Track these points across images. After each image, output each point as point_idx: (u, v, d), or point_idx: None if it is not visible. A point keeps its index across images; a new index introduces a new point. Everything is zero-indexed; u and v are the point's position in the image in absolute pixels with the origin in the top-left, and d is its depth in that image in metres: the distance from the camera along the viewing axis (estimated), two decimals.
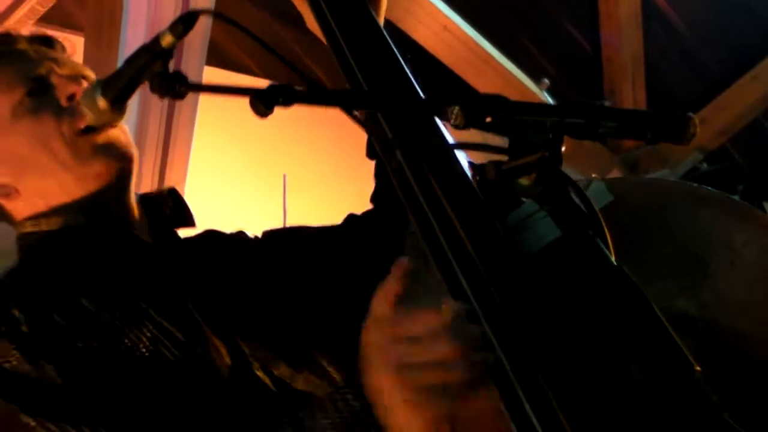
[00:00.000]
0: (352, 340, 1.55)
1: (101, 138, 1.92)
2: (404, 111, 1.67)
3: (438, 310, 1.42)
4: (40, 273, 1.84)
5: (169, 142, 4.48)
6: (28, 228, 1.94)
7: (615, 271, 1.40)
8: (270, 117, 1.58)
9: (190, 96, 4.02)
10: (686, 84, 7.12)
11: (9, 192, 1.95)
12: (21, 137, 1.92)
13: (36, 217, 1.94)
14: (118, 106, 1.80)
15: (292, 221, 4.72)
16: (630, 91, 6.87)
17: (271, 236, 2.21)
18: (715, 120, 7.03)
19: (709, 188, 1.76)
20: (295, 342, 1.96)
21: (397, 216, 1.91)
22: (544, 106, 1.47)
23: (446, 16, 5.79)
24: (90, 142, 1.92)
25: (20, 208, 1.96)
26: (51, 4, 4.88)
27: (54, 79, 1.97)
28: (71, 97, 1.95)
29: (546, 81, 6.20)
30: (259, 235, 2.20)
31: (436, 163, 1.77)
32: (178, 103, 4.32)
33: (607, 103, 1.68)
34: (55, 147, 1.91)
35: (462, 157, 1.79)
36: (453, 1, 5.82)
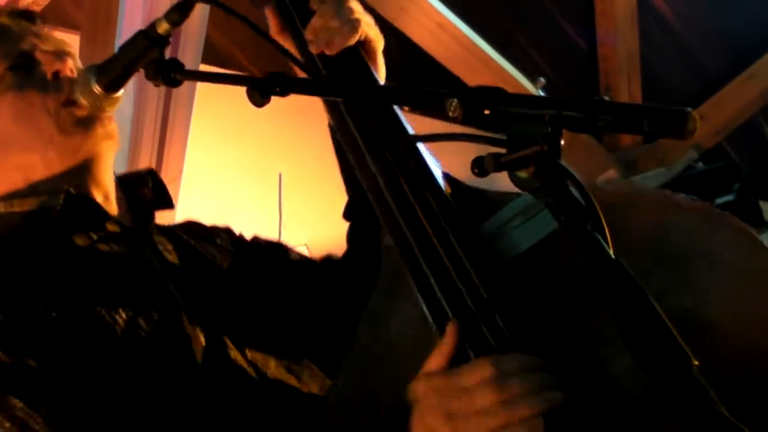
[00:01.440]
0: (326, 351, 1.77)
1: (85, 111, 1.90)
2: (402, 104, 1.67)
3: (486, 365, 1.55)
4: (14, 257, 1.81)
5: (165, 140, 4.47)
6: (1, 208, 1.90)
7: (614, 265, 1.39)
8: (266, 115, 1.59)
9: (187, 93, 4.03)
10: (682, 82, 7.13)
11: None
12: (4, 111, 1.91)
13: (9, 197, 1.91)
14: (112, 92, 1.80)
15: (288, 220, 4.72)
16: (626, 90, 6.88)
17: (259, 246, 2.23)
18: (712, 118, 7.04)
19: (683, 195, 1.82)
20: (275, 335, 1.99)
21: (370, 257, 1.99)
22: (543, 98, 1.47)
23: (441, 14, 5.79)
24: (74, 115, 1.91)
25: None
26: (46, 3, 4.87)
27: (38, 55, 1.97)
28: (56, 74, 1.95)
29: (542, 80, 6.20)
30: (247, 236, 2.23)
31: (410, 174, 1.81)
32: (174, 101, 4.31)
33: (606, 98, 1.67)
34: (40, 121, 1.90)
35: (437, 167, 1.82)
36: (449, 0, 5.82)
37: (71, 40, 4.65)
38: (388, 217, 1.82)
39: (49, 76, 1.95)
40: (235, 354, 1.85)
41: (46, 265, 1.80)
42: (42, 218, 1.88)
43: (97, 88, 1.76)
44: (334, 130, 2.11)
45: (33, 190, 1.91)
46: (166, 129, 4.42)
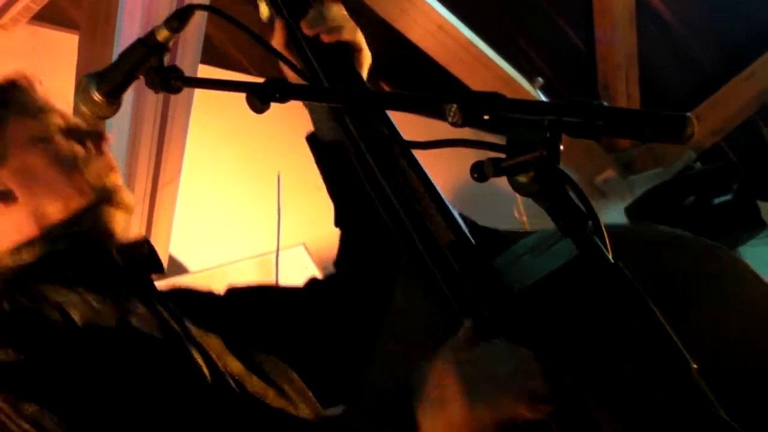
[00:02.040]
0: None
1: (114, 180, 2.04)
2: (402, 109, 1.67)
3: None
4: (22, 297, 1.84)
5: (164, 141, 4.48)
6: (9, 261, 1.97)
7: (612, 269, 1.39)
8: (265, 115, 1.59)
9: (185, 94, 4.02)
10: (680, 82, 7.14)
11: (8, 198, 1.99)
12: (42, 157, 2.00)
13: (17, 249, 1.97)
14: (112, 99, 1.81)
15: (287, 220, 4.72)
16: (624, 89, 6.88)
17: (241, 290, 2.25)
18: (709, 119, 7.04)
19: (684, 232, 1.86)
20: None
21: (359, 282, 2.12)
22: (542, 104, 1.47)
23: (441, 16, 5.79)
24: (106, 179, 2.03)
25: (4, 227, 2.00)
26: (45, 2, 4.87)
27: (80, 127, 2.08)
28: (97, 143, 2.06)
29: (540, 80, 6.21)
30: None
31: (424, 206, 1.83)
32: (173, 102, 4.31)
33: (605, 103, 1.68)
34: (73, 173, 2.00)
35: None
36: (448, 1, 5.82)
37: (70, 40, 4.66)
38: (404, 238, 1.85)
39: (89, 144, 2.05)
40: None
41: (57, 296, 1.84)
42: (51, 259, 1.95)
43: (96, 96, 1.77)
44: (314, 141, 2.20)
45: (43, 237, 1.98)
46: (165, 129, 4.42)
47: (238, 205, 5.61)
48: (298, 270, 4.83)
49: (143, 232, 4.70)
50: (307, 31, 2.10)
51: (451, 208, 1.87)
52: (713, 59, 7.05)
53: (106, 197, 2.02)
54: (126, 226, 2.09)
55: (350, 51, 2.14)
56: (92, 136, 2.07)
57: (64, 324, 1.75)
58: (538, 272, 1.73)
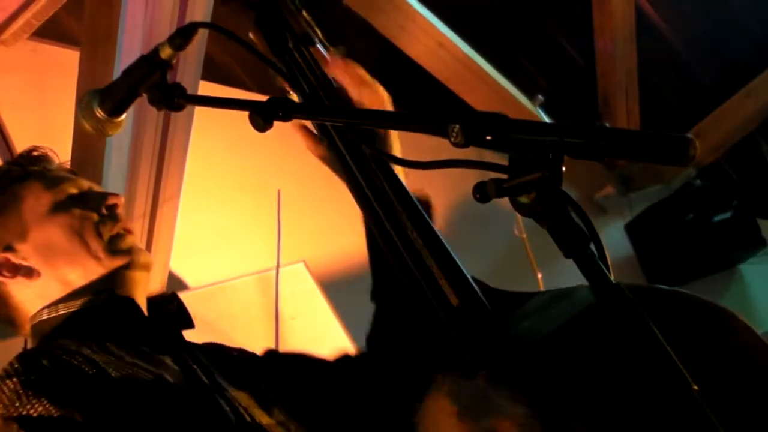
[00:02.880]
0: None
1: (129, 242, 2.14)
2: (406, 129, 1.67)
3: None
4: (58, 352, 1.89)
5: (164, 157, 4.47)
6: (45, 315, 2.07)
7: (614, 290, 1.40)
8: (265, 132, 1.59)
9: (186, 110, 4.03)
10: (680, 99, 7.14)
11: (31, 274, 2.09)
12: (59, 228, 2.10)
13: (53, 304, 2.07)
14: (115, 116, 1.81)
15: (287, 237, 4.71)
16: (624, 106, 6.88)
17: (275, 356, 2.31)
18: (709, 135, 7.05)
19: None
20: None
21: (388, 360, 2.14)
22: (544, 125, 1.47)
23: (441, 33, 5.79)
24: (124, 243, 2.13)
25: (30, 296, 2.10)
26: (46, 18, 4.87)
27: (96, 191, 2.20)
28: (111, 208, 2.16)
29: (540, 97, 6.21)
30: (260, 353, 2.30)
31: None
32: (174, 118, 4.31)
33: (606, 124, 1.68)
34: (90, 241, 2.09)
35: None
36: (448, 18, 5.82)
37: (71, 56, 4.66)
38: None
39: (104, 210, 2.15)
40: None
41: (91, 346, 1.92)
42: (88, 312, 2.05)
43: (100, 112, 1.77)
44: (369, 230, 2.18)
45: (73, 296, 2.08)
46: (165, 145, 4.41)
47: (238, 222, 5.60)
48: (298, 287, 4.81)
49: (144, 248, 4.69)
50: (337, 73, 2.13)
51: (463, 269, 1.87)
52: (713, 76, 7.06)
53: (125, 261, 2.11)
54: (147, 283, 2.17)
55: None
56: (104, 201, 2.15)
57: (101, 379, 1.80)
58: (547, 327, 1.74)
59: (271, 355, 2.28)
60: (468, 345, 1.73)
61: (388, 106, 2.13)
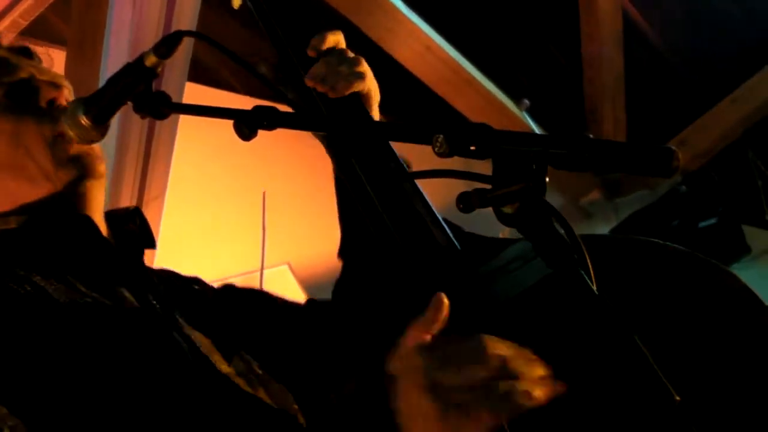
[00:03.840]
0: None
1: (76, 148, 1.94)
2: (391, 138, 1.68)
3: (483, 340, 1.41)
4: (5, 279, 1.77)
5: (149, 158, 4.47)
6: None
7: (597, 301, 1.40)
8: None
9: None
10: (667, 105, 7.15)
11: None
12: (1, 136, 1.94)
13: (4, 215, 1.92)
14: (100, 124, 1.80)
15: (272, 239, 4.72)
16: (611, 113, 6.89)
17: (238, 289, 2.21)
18: (695, 142, 7.06)
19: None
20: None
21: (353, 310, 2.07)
22: (529, 135, 1.47)
23: (428, 37, 5.79)
24: (66, 149, 1.95)
25: None
26: (33, 18, 4.87)
27: (35, 83, 2.01)
28: (51, 102, 1.99)
29: (527, 102, 6.21)
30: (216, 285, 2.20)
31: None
32: (158, 121, 4.31)
33: (590, 135, 1.69)
34: (34, 148, 1.93)
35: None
36: (435, 22, 5.83)
37: (58, 56, 4.65)
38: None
39: (43, 103, 1.99)
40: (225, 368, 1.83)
41: (28, 262, 1.80)
42: (30, 228, 1.91)
43: (84, 120, 1.77)
44: (340, 182, 2.14)
45: (19, 211, 1.93)
46: (151, 147, 4.42)
47: (223, 224, 5.60)
48: (282, 289, 4.83)
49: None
50: (318, 86, 2.02)
51: (437, 213, 1.85)
52: (699, 83, 7.07)
53: (73, 173, 1.96)
54: (103, 194, 2.03)
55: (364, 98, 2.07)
56: (43, 93, 2.01)
57: (46, 303, 1.69)
58: (523, 283, 1.71)
59: (230, 289, 2.17)
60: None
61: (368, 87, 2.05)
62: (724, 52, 6.84)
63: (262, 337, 2.02)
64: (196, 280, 2.16)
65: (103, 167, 2.01)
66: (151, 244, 2.08)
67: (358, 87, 1.99)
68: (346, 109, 1.98)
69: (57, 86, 2.03)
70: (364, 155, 1.90)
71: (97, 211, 2.00)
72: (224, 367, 1.82)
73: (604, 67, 6.72)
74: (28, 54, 2.13)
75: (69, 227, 1.92)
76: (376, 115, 2.07)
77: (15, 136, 1.94)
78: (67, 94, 2.04)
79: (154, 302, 1.86)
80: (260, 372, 1.90)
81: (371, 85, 2.05)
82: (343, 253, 2.20)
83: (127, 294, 1.83)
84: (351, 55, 2.03)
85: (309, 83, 1.99)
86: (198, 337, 1.84)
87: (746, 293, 1.77)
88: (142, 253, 2.06)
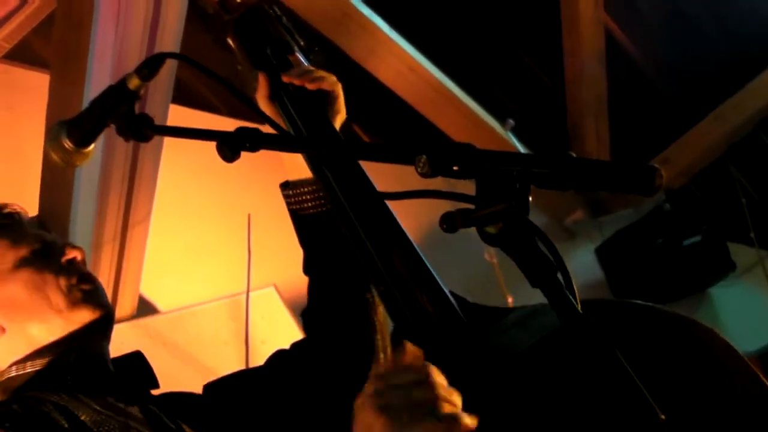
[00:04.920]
0: None
1: (91, 288, 2.16)
2: (373, 158, 1.68)
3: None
4: (30, 402, 1.94)
5: (134, 180, 4.47)
6: (13, 372, 2.10)
7: (581, 320, 1.40)
8: None
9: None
10: (650, 123, 7.17)
11: None
12: (20, 284, 2.12)
13: (21, 362, 2.10)
14: (83, 147, 1.80)
15: (257, 261, 4.71)
16: (593, 130, 6.91)
17: (213, 387, 2.31)
18: (678, 160, 7.08)
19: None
20: None
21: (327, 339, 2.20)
22: (511, 155, 1.48)
23: (411, 57, 5.79)
24: (81, 292, 2.14)
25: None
26: (16, 41, 4.87)
27: (61, 245, 2.22)
28: (71, 261, 2.18)
29: (511, 121, 6.21)
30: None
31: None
32: (143, 143, 4.31)
33: (573, 154, 1.70)
34: (51, 294, 2.12)
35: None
36: (418, 42, 5.83)
37: (41, 79, 4.65)
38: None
39: (64, 261, 2.17)
40: None
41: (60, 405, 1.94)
42: (55, 370, 2.08)
43: (68, 143, 1.77)
44: (288, 195, 2.31)
45: (39, 353, 2.11)
46: (135, 169, 4.41)
47: (209, 246, 5.59)
48: (268, 311, 4.82)
49: (113, 272, 4.69)
50: (296, 80, 2.21)
51: (442, 284, 1.88)
52: (683, 100, 7.09)
53: (87, 311, 2.13)
54: (111, 329, 2.21)
55: (328, 101, 2.23)
56: (63, 254, 2.19)
57: (72, 425, 1.84)
58: (523, 343, 1.74)
59: (211, 386, 2.28)
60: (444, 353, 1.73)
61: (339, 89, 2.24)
62: (706, 70, 6.87)
63: (247, 414, 2.18)
64: (191, 394, 2.28)
65: (112, 306, 2.27)
66: (154, 384, 2.22)
67: (330, 84, 2.21)
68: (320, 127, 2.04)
69: (76, 248, 2.22)
70: (344, 173, 1.93)
71: (107, 346, 2.20)
72: None
73: (587, 84, 6.74)
74: (47, 228, 2.35)
75: (82, 365, 2.09)
76: (340, 116, 2.25)
77: (35, 285, 2.12)
78: (82, 255, 2.23)
79: (161, 414, 2.02)
80: None
81: (340, 95, 2.25)
82: (307, 269, 2.30)
83: (134, 411, 1.99)
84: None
85: (286, 79, 2.18)
86: None
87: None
88: (146, 386, 2.20)
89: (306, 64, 2.29)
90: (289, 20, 2.39)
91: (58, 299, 2.11)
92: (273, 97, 2.25)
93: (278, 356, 2.30)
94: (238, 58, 2.34)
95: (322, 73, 2.23)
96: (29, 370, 2.08)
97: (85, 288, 2.14)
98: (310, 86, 2.20)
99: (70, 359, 2.08)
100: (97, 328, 2.15)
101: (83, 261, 2.23)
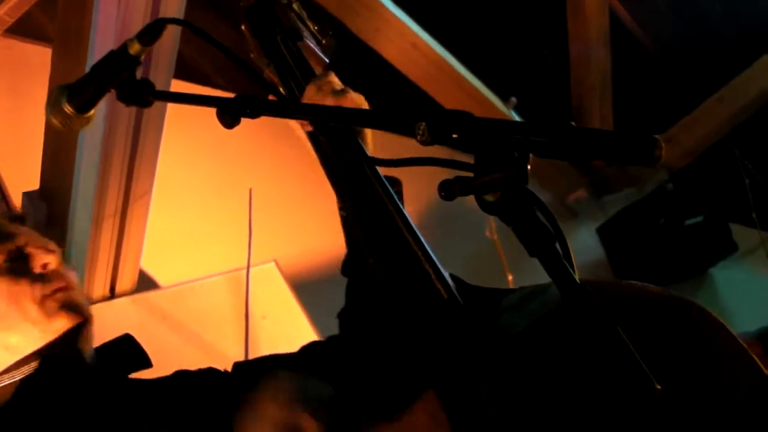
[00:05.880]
0: None
1: (65, 297, 2.15)
2: (373, 126, 1.68)
3: None
4: (27, 410, 2.02)
5: (136, 155, 4.45)
6: (5, 380, 2.10)
7: (578, 289, 1.40)
8: (237, 130, 1.59)
9: (157, 108, 4.01)
10: (654, 104, 7.16)
11: None
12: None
13: (7, 371, 2.11)
14: (84, 112, 1.80)
15: (258, 237, 4.70)
16: (598, 111, 6.90)
17: (243, 368, 2.30)
18: (682, 140, 7.08)
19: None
20: None
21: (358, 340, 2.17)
22: (510, 123, 1.47)
23: (416, 35, 5.79)
24: (56, 302, 2.14)
25: None
26: (19, 15, 4.86)
27: (29, 249, 2.20)
28: (44, 266, 2.18)
29: (513, 99, 6.21)
30: (229, 368, 2.28)
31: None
32: (145, 116, 4.30)
33: (572, 123, 1.69)
34: (27, 305, 2.12)
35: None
36: (422, 20, 5.83)
37: (43, 53, 4.65)
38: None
39: (37, 269, 2.17)
40: None
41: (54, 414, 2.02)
42: (42, 377, 2.11)
43: (68, 108, 1.77)
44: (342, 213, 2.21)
45: (24, 361, 2.12)
46: (137, 143, 4.40)
47: (210, 221, 5.59)
48: (268, 287, 4.82)
49: (114, 246, 4.69)
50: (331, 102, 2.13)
51: (441, 267, 1.88)
52: (686, 81, 7.08)
53: (62, 321, 2.14)
54: (91, 333, 2.22)
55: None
56: (37, 260, 2.18)
57: None
58: (520, 324, 1.75)
59: (240, 366, 2.27)
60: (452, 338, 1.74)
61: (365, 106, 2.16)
62: (710, 51, 6.86)
63: None
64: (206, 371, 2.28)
65: (89, 310, 2.22)
66: (146, 364, 2.24)
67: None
68: None
69: (49, 251, 2.21)
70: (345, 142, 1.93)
71: (88, 347, 2.20)
72: None
73: (592, 65, 6.73)
74: (22, 221, 2.36)
75: (58, 373, 2.12)
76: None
77: (10, 295, 2.12)
78: (57, 259, 2.22)
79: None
80: None
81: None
82: (345, 269, 2.26)
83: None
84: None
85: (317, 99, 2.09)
86: None
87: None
88: (127, 377, 2.21)
89: (325, 62, 2.25)
90: (301, 4, 2.37)
91: (34, 310, 2.12)
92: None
93: (313, 347, 2.28)
94: (251, 46, 2.33)
95: (352, 95, 2.15)
96: (7, 383, 2.09)
97: (60, 297, 2.14)
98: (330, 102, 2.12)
99: (43, 369, 2.10)
100: (75, 334, 2.15)
101: (59, 263, 2.22)
